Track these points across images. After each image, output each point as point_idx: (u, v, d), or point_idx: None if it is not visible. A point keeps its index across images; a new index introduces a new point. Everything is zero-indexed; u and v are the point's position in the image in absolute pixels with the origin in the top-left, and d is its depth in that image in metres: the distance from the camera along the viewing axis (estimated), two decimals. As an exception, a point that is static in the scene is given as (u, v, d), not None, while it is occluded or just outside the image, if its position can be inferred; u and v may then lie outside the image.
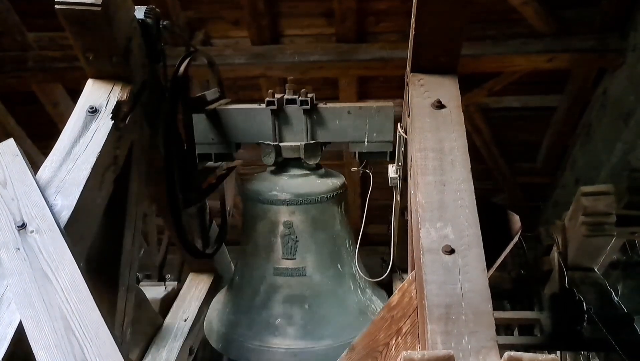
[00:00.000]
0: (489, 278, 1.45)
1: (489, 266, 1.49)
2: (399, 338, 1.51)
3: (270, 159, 2.59)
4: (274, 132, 2.59)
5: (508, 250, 1.77)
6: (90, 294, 1.51)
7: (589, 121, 5.59)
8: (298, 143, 2.59)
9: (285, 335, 2.54)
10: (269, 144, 2.59)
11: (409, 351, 1.17)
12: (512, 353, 1.13)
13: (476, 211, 1.59)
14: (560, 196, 6.45)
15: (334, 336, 2.53)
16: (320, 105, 2.60)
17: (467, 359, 1.24)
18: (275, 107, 2.54)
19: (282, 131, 2.61)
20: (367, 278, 2.78)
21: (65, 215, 1.69)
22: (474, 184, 1.68)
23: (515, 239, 1.80)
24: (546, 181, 6.78)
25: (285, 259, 2.61)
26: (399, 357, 1.18)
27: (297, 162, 2.64)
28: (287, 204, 2.57)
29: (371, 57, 5.23)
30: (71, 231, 1.67)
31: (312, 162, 2.60)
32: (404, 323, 1.53)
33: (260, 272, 2.66)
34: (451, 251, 1.48)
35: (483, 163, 6.59)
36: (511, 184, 6.90)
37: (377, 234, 5.28)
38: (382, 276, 2.77)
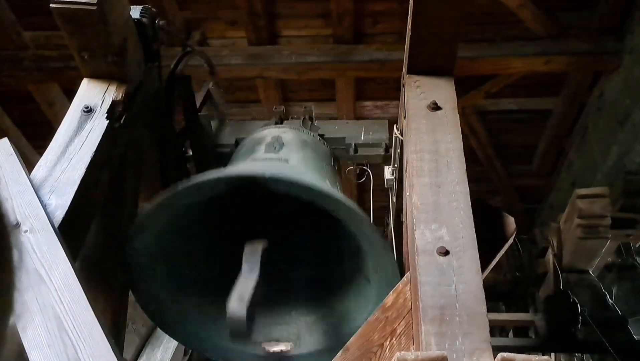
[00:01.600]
0: (483, 280, 1.45)
1: (483, 268, 1.49)
2: (393, 339, 1.51)
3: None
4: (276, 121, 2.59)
5: (503, 252, 1.78)
6: (84, 294, 1.51)
7: (585, 123, 5.61)
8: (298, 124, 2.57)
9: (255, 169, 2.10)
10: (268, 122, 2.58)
11: (402, 352, 1.17)
12: (505, 354, 1.13)
13: (471, 212, 1.60)
14: (556, 198, 6.47)
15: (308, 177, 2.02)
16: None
17: (461, 360, 1.25)
18: (282, 109, 2.60)
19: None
20: None
21: (59, 215, 1.69)
22: (469, 186, 1.69)
23: (510, 241, 1.81)
24: (542, 183, 6.81)
25: (267, 153, 2.27)
26: (393, 358, 1.18)
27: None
28: (279, 127, 2.43)
29: (368, 59, 5.23)
30: (65, 230, 1.67)
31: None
32: (399, 324, 1.53)
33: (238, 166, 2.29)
34: (446, 253, 1.48)
35: (479, 165, 6.61)
36: (507, 186, 6.92)
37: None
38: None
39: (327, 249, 2.28)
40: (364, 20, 5.28)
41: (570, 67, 5.20)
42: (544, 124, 6.14)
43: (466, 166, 1.75)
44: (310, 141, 2.41)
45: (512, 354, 1.14)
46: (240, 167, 2.15)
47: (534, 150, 6.58)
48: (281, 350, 2.12)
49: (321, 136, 2.59)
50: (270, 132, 2.39)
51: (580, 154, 5.76)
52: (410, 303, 1.55)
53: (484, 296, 1.39)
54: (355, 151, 2.68)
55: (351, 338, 1.54)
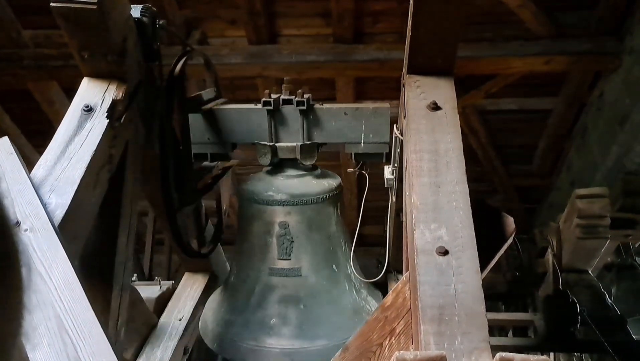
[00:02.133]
0: (483, 280, 1.45)
1: (482, 268, 1.49)
2: (393, 338, 1.52)
3: (266, 159, 2.60)
4: (270, 133, 2.60)
5: (502, 252, 1.78)
6: (84, 293, 1.51)
7: (585, 123, 5.61)
8: (294, 144, 2.59)
9: (280, 335, 2.54)
10: (265, 144, 2.59)
11: (402, 351, 1.17)
12: (504, 354, 1.13)
13: (470, 212, 1.60)
14: (556, 198, 6.48)
15: (329, 336, 2.53)
16: (317, 105, 2.60)
17: (460, 360, 1.25)
18: (271, 107, 2.55)
19: (278, 132, 2.61)
20: (362, 279, 2.78)
21: (59, 214, 1.69)
22: (469, 186, 1.69)
23: (509, 241, 1.81)
24: (542, 183, 6.81)
25: (281, 259, 2.60)
26: (392, 357, 1.18)
27: (293, 163, 2.64)
28: (283, 205, 2.57)
29: (368, 58, 5.24)
30: (65, 229, 1.67)
31: (308, 162, 2.61)
32: (398, 323, 1.53)
33: (256, 272, 2.65)
34: (445, 253, 1.49)
35: (479, 165, 6.61)
36: (507, 186, 6.92)
37: (373, 235, 5.29)
38: (377, 277, 2.77)
39: None
40: (364, 20, 5.28)
41: (570, 67, 5.20)
42: (544, 124, 6.15)
43: (466, 165, 1.75)
44: (314, 215, 2.61)
45: (511, 354, 1.14)
46: (265, 330, 2.56)
47: (533, 150, 6.58)
48: None
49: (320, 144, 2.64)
50: (277, 214, 2.58)
51: (580, 154, 5.77)
52: (409, 303, 1.55)
53: (483, 296, 1.39)
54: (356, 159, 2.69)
55: (350, 338, 1.55)
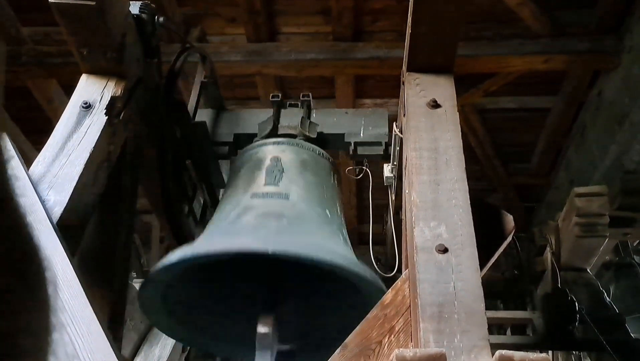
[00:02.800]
0: (482, 278, 1.46)
1: (482, 266, 1.50)
2: (392, 336, 1.52)
3: (264, 132, 2.55)
4: (274, 120, 2.59)
5: (501, 250, 1.78)
6: (82, 290, 1.50)
7: (584, 122, 5.61)
8: (296, 123, 2.59)
9: (258, 238, 2.02)
10: (265, 123, 2.59)
11: (401, 349, 1.17)
12: (504, 351, 1.13)
13: (470, 210, 1.60)
14: (554, 196, 6.48)
15: (314, 250, 1.90)
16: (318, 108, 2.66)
17: (459, 357, 1.25)
18: (278, 99, 2.57)
19: (281, 120, 2.62)
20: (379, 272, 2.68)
21: (57, 211, 1.68)
22: (468, 184, 1.69)
23: (509, 239, 1.81)
24: (540, 181, 6.81)
25: (268, 185, 2.23)
26: (392, 355, 1.18)
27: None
28: (277, 144, 2.42)
29: (368, 56, 5.23)
30: (64, 226, 1.66)
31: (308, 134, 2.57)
32: (397, 321, 1.53)
33: (237, 199, 2.24)
34: (444, 250, 1.49)
35: (478, 163, 6.61)
36: (506, 184, 6.93)
37: (372, 233, 5.29)
38: (392, 272, 2.73)
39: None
40: (364, 18, 5.27)
41: (569, 66, 5.20)
42: (543, 122, 6.14)
43: (465, 164, 1.75)
44: (310, 159, 2.41)
45: (510, 351, 1.14)
46: (241, 233, 2.05)
47: (532, 148, 6.59)
48: None
49: (320, 134, 2.60)
50: (269, 151, 2.38)
51: (579, 152, 5.77)
52: (409, 301, 1.55)
53: (482, 294, 1.40)
54: (355, 149, 2.69)
55: (350, 336, 1.55)
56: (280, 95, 2.61)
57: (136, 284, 2.76)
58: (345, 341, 1.54)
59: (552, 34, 4.97)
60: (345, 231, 2.30)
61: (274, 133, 2.53)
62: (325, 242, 2.05)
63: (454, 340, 1.29)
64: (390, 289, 1.62)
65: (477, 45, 5.03)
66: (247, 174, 2.32)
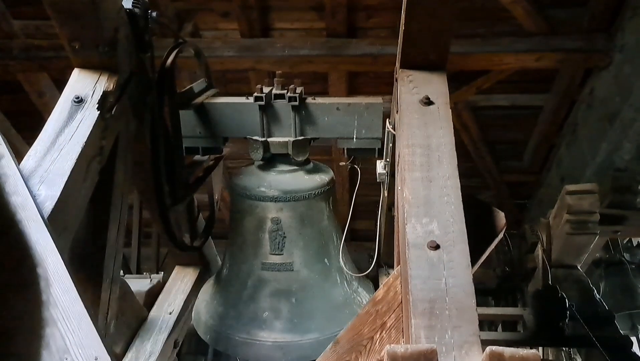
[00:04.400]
0: (473, 274, 1.46)
1: (473, 262, 1.50)
2: (384, 332, 1.52)
3: (258, 154, 2.59)
4: (262, 128, 2.58)
5: (492, 247, 1.79)
6: (73, 285, 1.50)
7: (575, 120, 5.64)
8: (286, 139, 2.58)
9: (272, 329, 2.56)
10: (256, 139, 2.58)
11: (392, 345, 1.18)
12: (494, 347, 1.14)
13: (462, 207, 1.60)
14: (546, 194, 6.51)
15: (321, 330, 2.55)
16: (309, 100, 2.59)
17: (450, 353, 1.25)
18: (263, 102, 2.53)
19: (270, 127, 2.60)
20: (352, 273, 2.79)
21: (49, 205, 1.68)
22: (460, 181, 1.69)
23: (500, 236, 1.82)
24: (532, 179, 6.84)
25: (273, 254, 2.62)
26: (383, 351, 1.18)
27: (285, 158, 2.63)
28: (275, 201, 2.58)
29: (361, 53, 5.22)
30: (55, 221, 1.65)
31: (300, 158, 2.60)
32: (389, 317, 1.54)
33: (248, 266, 2.66)
34: (436, 247, 1.49)
35: (470, 161, 6.63)
36: (498, 182, 6.95)
37: (365, 229, 5.29)
38: (367, 271, 2.77)
39: None
40: (358, 14, 5.26)
41: (561, 64, 5.23)
42: (535, 120, 6.17)
43: (457, 161, 1.76)
44: (306, 210, 2.61)
45: (501, 347, 1.15)
46: (256, 324, 2.59)
47: (524, 146, 6.62)
48: None
49: (312, 138, 2.63)
50: (269, 210, 2.58)
51: (570, 150, 5.80)
52: (400, 297, 1.56)
53: (473, 290, 1.40)
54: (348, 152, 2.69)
55: (341, 331, 1.55)
56: (263, 95, 2.52)
57: (127, 279, 2.76)
58: (337, 337, 1.54)
59: (544, 32, 4.99)
60: (341, 260, 2.69)
61: (266, 157, 2.61)
62: (326, 314, 2.59)
63: (445, 336, 1.30)
64: (382, 286, 1.62)
65: (470, 42, 5.04)
66: (251, 234, 2.65)
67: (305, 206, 2.62)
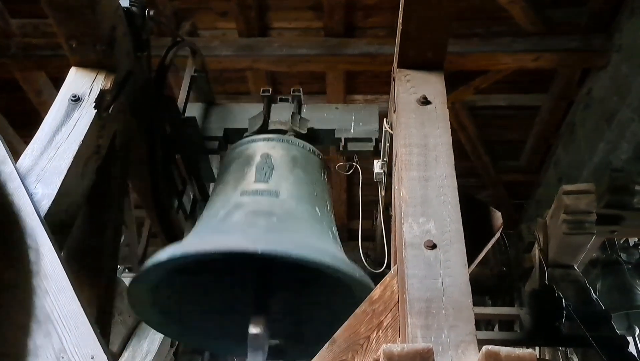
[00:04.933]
0: (470, 274, 1.47)
1: (470, 262, 1.50)
2: (380, 331, 1.52)
3: (255, 127, 2.53)
4: (265, 115, 2.58)
5: (489, 246, 1.79)
6: (70, 284, 1.50)
7: (573, 120, 5.65)
8: (286, 118, 2.58)
9: (248, 236, 2.00)
10: (255, 118, 2.58)
11: (389, 344, 1.18)
12: (490, 347, 1.14)
13: (459, 207, 1.61)
14: (543, 194, 6.52)
15: (304, 249, 1.90)
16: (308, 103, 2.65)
17: (446, 353, 1.26)
18: (269, 94, 2.56)
19: (272, 115, 2.61)
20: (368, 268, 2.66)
21: (45, 204, 1.67)
22: (458, 181, 1.69)
23: (497, 235, 1.82)
24: (530, 179, 6.85)
25: (258, 182, 2.22)
26: (379, 351, 1.19)
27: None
28: (267, 140, 2.39)
29: (359, 52, 5.22)
30: (52, 220, 1.65)
31: (298, 129, 2.55)
32: (385, 316, 1.54)
33: (227, 196, 2.24)
34: (433, 246, 1.49)
35: (468, 160, 6.63)
36: (495, 181, 6.95)
37: (363, 229, 5.29)
38: (382, 268, 2.72)
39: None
40: (356, 14, 5.26)
41: (559, 64, 5.23)
42: (533, 120, 6.17)
43: (455, 160, 1.76)
44: (300, 156, 2.39)
45: (497, 347, 1.15)
46: (231, 231, 2.05)
47: (522, 146, 6.62)
48: None
49: (310, 130, 2.60)
50: (259, 147, 2.36)
51: (568, 150, 5.81)
52: (397, 296, 1.56)
53: (470, 290, 1.40)
54: (345, 145, 2.69)
55: (338, 331, 1.55)
56: (270, 90, 2.60)
57: (125, 278, 2.75)
58: (333, 336, 1.54)
59: (542, 32, 4.99)
60: (334, 229, 2.30)
61: (264, 129, 2.51)
62: (315, 241, 2.06)
63: (441, 335, 1.30)
64: (378, 285, 1.63)
65: (468, 42, 5.04)
66: (237, 171, 2.30)
67: (299, 152, 2.38)
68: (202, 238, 2.09)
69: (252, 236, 1.95)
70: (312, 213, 2.21)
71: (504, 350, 1.14)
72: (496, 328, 4.85)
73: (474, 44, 5.05)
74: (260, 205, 2.12)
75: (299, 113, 2.61)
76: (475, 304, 1.39)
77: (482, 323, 4.90)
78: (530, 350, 1.16)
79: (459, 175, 1.72)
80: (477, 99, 5.99)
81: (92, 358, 1.37)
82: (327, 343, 1.52)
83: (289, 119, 2.54)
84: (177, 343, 2.87)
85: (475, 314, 1.36)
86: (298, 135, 2.51)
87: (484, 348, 1.15)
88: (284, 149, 2.36)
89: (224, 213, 2.11)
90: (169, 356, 2.80)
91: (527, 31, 5.02)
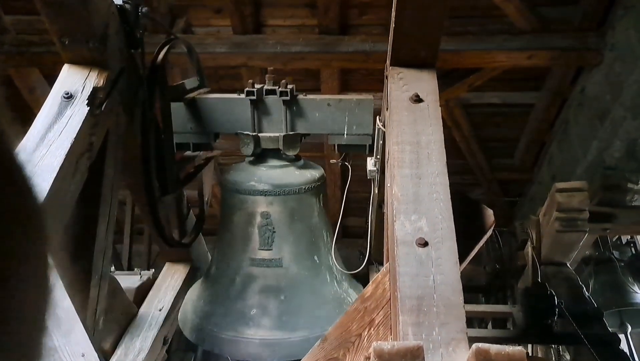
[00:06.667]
0: (463, 271, 1.47)
1: (462, 260, 1.51)
2: (372, 329, 1.53)
3: (248, 149, 2.59)
4: (253, 123, 2.59)
5: (481, 244, 1.80)
6: (61, 282, 1.49)
7: (567, 118, 5.67)
8: (277, 134, 2.58)
9: (260, 326, 2.53)
10: (247, 134, 2.58)
11: (379, 342, 1.18)
12: (480, 344, 1.15)
13: (450, 204, 1.61)
14: (537, 192, 6.55)
15: (309, 327, 2.54)
16: (300, 96, 2.60)
17: (437, 350, 1.26)
18: (254, 97, 2.54)
19: (261, 122, 2.60)
20: (343, 270, 2.79)
21: (37, 201, 1.67)
22: (452, 179, 1.70)
23: (489, 233, 1.83)
24: (523, 177, 6.87)
25: (262, 250, 2.59)
26: (370, 348, 1.19)
27: (275, 153, 2.64)
28: (265, 195, 2.56)
29: (353, 50, 5.22)
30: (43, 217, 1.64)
31: (290, 153, 2.60)
32: (377, 314, 1.54)
33: (237, 263, 2.64)
34: (425, 244, 1.50)
35: (462, 158, 6.65)
36: (489, 179, 6.98)
37: (356, 226, 5.29)
38: (359, 268, 2.78)
39: None
40: (350, 11, 5.26)
41: (552, 62, 5.25)
42: (527, 118, 6.20)
43: (449, 159, 1.77)
44: (296, 205, 2.60)
45: (487, 344, 1.15)
46: (244, 324, 2.56)
47: (516, 144, 6.64)
48: None
49: (303, 135, 2.63)
50: (259, 204, 2.57)
51: (561, 148, 5.83)
52: (389, 294, 1.56)
53: (461, 287, 1.41)
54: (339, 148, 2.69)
55: (330, 328, 1.55)
56: (255, 91, 2.55)
57: (117, 276, 2.75)
58: (325, 334, 1.55)
59: (536, 30, 5.01)
60: (331, 260, 2.70)
61: (257, 152, 2.61)
62: (315, 309, 2.58)
63: (432, 333, 1.30)
64: (370, 283, 1.63)
65: (462, 40, 5.04)
66: (241, 229, 2.63)
67: (295, 201, 2.61)
68: (218, 325, 2.58)
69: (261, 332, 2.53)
70: (312, 267, 2.64)
71: (494, 348, 1.14)
72: (489, 325, 4.87)
73: (468, 42, 5.06)
74: (268, 279, 2.59)
75: (290, 113, 2.59)
76: (468, 301, 1.39)
77: (475, 320, 4.92)
78: (520, 348, 1.16)
79: (453, 173, 1.73)
80: (471, 96, 6.00)
81: (83, 356, 1.37)
82: (319, 341, 1.53)
83: (280, 138, 2.56)
84: (170, 340, 2.87)
85: (469, 311, 1.36)
86: (290, 160, 2.65)
87: (474, 345, 1.15)
88: (282, 204, 2.58)
89: (235, 290, 2.62)
90: (162, 354, 2.79)
91: (521, 29, 5.03)
